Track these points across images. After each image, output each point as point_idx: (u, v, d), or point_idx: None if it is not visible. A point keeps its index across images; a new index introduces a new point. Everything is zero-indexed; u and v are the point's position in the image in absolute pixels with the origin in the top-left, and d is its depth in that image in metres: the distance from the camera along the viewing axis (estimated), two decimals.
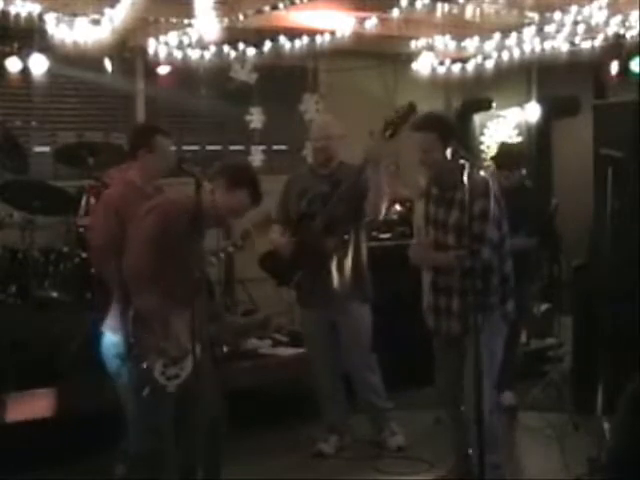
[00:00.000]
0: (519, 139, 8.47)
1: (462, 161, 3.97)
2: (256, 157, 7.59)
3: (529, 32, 6.65)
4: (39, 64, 6.20)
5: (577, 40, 6.76)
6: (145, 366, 3.71)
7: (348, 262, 5.10)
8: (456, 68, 7.60)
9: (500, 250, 4.23)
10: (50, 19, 5.69)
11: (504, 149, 6.56)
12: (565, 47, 6.86)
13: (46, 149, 6.80)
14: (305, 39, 6.58)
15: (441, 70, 7.67)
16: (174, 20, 6.12)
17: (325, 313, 5.15)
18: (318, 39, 6.57)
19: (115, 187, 4.53)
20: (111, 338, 3.84)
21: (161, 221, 3.84)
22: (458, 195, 4.17)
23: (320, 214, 5.03)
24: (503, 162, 6.03)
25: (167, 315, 3.72)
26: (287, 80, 7.59)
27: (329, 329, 5.18)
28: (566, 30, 6.47)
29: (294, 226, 5.16)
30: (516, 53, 7.08)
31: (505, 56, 7.15)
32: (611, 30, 6.48)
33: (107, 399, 4.14)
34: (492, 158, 6.65)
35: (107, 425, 4.46)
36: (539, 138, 8.68)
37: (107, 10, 5.66)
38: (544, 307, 7.40)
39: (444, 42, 7.04)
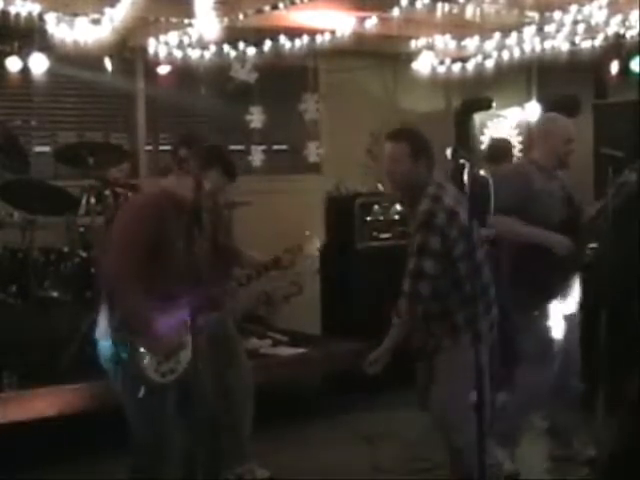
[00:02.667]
0: (519, 139, 8.47)
1: (462, 161, 3.94)
2: (256, 157, 7.60)
3: (529, 32, 6.65)
4: (39, 64, 6.20)
5: (577, 40, 6.76)
6: (135, 367, 3.70)
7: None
8: (456, 68, 7.60)
9: (455, 273, 4.04)
10: (50, 19, 5.69)
11: (493, 144, 6.77)
12: (565, 47, 6.86)
13: (46, 149, 6.81)
14: (305, 39, 6.58)
15: (441, 70, 7.67)
16: (174, 20, 6.12)
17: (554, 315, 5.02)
18: (318, 39, 6.57)
19: None
20: (102, 343, 3.82)
21: (135, 218, 3.82)
22: (416, 220, 4.09)
23: (576, 218, 4.90)
24: (492, 156, 6.24)
25: (152, 313, 3.67)
26: (287, 80, 7.59)
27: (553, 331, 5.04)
28: (566, 30, 6.47)
29: (556, 228, 4.84)
30: (516, 53, 7.08)
31: (505, 56, 7.15)
32: (611, 30, 6.48)
33: (107, 399, 4.14)
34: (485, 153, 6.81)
35: (107, 425, 4.47)
36: None
37: (107, 10, 5.66)
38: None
39: (444, 42, 7.04)
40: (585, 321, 5.11)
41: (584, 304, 5.12)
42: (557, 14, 6.24)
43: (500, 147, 6.58)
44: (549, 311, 4.94)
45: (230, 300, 4.44)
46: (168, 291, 3.72)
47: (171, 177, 3.90)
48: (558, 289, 4.91)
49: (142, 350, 3.68)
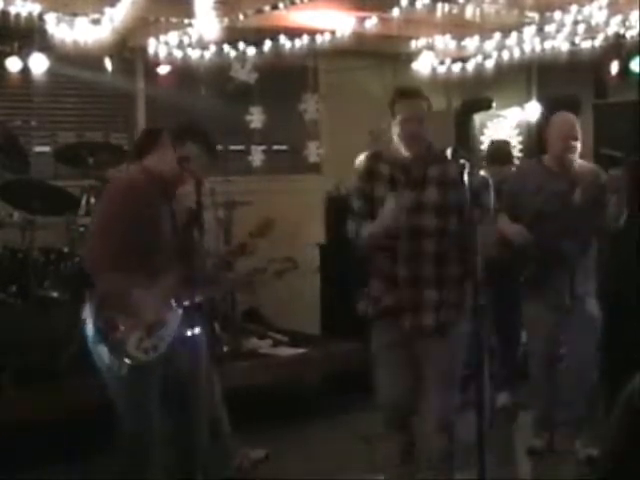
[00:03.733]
0: (519, 139, 8.48)
1: (462, 161, 3.92)
2: (256, 157, 7.60)
3: (529, 32, 6.64)
4: (39, 64, 6.20)
5: (577, 40, 6.75)
6: (116, 344, 3.68)
7: (588, 263, 5.04)
8: (456, 68, 7.60)
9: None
10: (50, 19, 5.69)
11: (494, 146, 6.76)
12: (565, 47, 6.86)
13: (46, 149, 6.81)
14: (305, 39, 6.58)
15: (441, 70, 7.67)
16: (174, 20, 6.12)
17: (553, 310, 5.02)
18: (318, 39, 6.57)
19: None
20: (88, 322, 3.83)
21: (111, 199, 3.83)
22: (433, 172, 3.95)
23: (561, 213, 4.87)
24: (493, 158, 6.24)
25: (131, 290, 3.66)
26: (287, 80, 7.59)
27: (553, 325, 5.06)
28: (566, 30, 6.47)
29: (528, 222, 4.93)
30: (516, 53, 7.08)
31: (505, 56, 7.15)
32: (611, 30, 6.47)
33: (107, 399, 4.14)
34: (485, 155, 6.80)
35: (107, 425, 4.46)
36: (539, 138, 8.67)
37: (107, 10, 5.66)
38: None
39: (444, 42, 7.04)
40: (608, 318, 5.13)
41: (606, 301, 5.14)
42: (557, 14, 6.24)
43: (500, 149, 6.58)
44: (546, 305, 5.02)
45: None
46: (155, 268, 3.71)
47: (151, 156, 3.90)
48: (541, 281, 4.98)
49: (122, 327, 3.67)
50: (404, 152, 3.94)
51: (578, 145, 4.98)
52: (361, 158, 3.96)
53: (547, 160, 5.08)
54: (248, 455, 4.97)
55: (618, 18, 6.23)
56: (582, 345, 5.03)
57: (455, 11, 5.99)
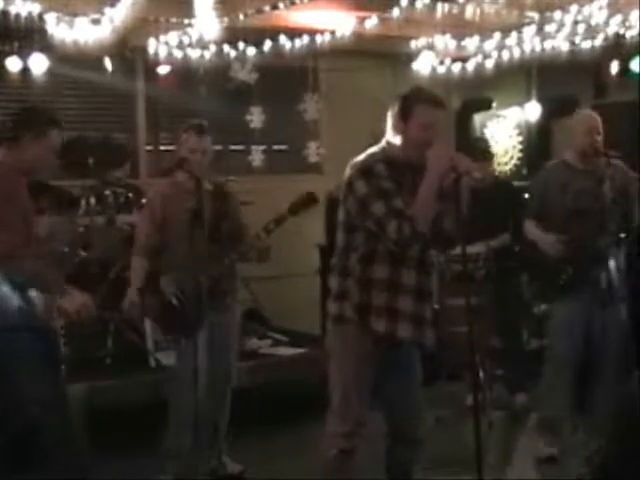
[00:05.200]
0: (519, 139, 8.48)
1: None
2: (256, 157, 7.60)
3: (529, 31, 6.65)
4: (39, 64, 6.20)
5: (577, 40, 6.76)
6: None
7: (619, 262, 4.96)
8: (456, 68, 7.60)
9: None
10: (50, 19, 5.70)
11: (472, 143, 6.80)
12: (565, 47, 6.86)
13: None
14: (305, 39, 6.59)
15: (441, 70, 7.67)
16: (174, 20, 6.13)
17: (585, 312, 4.94)
18: (318, 39, 6.58)
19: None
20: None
21: None
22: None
23: (590, 211, 4.84)
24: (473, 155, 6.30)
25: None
26: (287, 80, 7.59)
27: (583, 328, 4.97)
28: (566, 30, 6.47)
29: (558, 223, 4.94)
30: (516, 52, 7.08)
31: (505, 55, 7.16)
32: (611, 30, 6.48)
33: (107, 399, 4.15)
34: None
35: (107, 425, 4.46)
36: (539, 138, 8.69)
37: (107, 10, 5.67)
38: (544, 307, 7.40)
39: (444, 41, 7.04)
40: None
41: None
42: (557, 14, 6.25)
43: (479, 147, 6.58)
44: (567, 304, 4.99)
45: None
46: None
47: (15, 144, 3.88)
48: (578, 282, 4.92)
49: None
50: (409, 155, 3.82)
51: (601, 140, 4.91)
52: (362, 158, 3.91)
53: (571, 158, 5.00)
54: (225, 465, 4.91)
55: (618, 18, 6.24)
56: (612, 351, 4.94)
57: (455, 11, 6.00)
